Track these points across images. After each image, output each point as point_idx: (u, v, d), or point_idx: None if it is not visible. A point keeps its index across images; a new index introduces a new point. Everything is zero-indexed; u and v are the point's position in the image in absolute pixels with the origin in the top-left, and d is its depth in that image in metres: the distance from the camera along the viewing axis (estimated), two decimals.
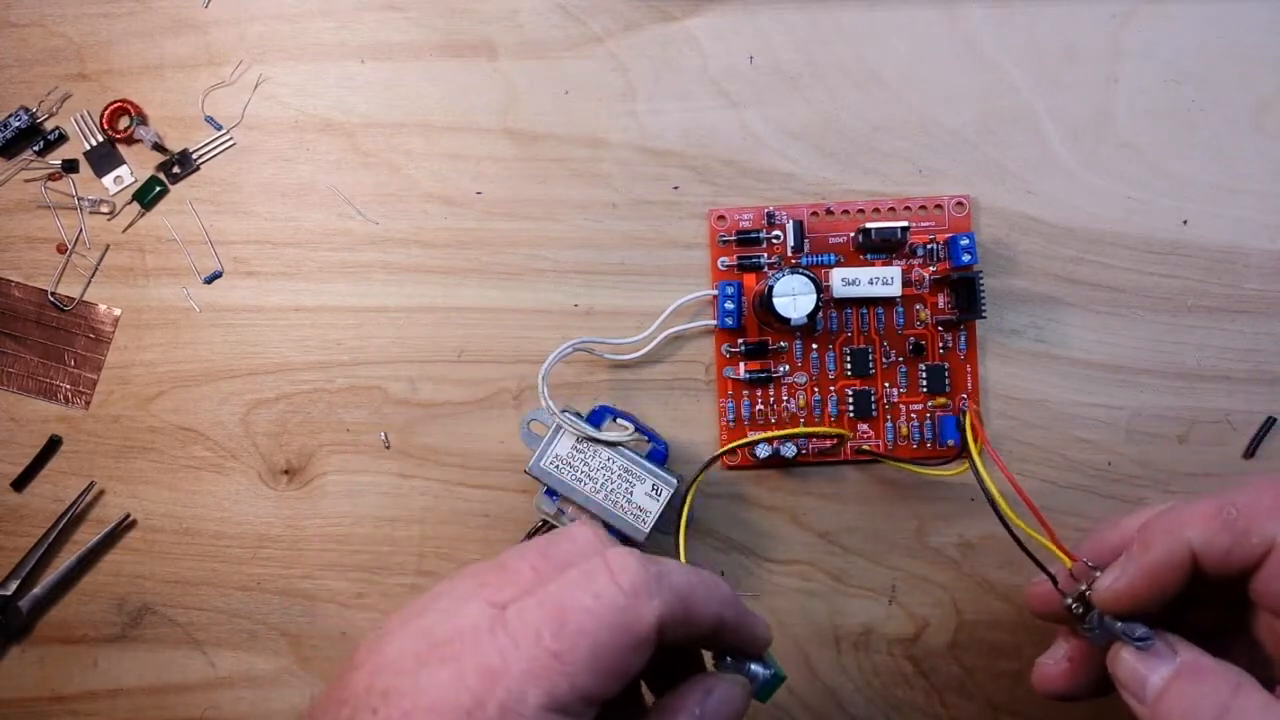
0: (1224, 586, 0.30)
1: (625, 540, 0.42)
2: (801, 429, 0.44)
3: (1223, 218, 0.45)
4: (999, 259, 0.45)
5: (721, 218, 0.45)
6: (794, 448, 0.44)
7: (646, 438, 0.44)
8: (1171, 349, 0.45)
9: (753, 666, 0.32)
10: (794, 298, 0.41)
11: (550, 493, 0.42)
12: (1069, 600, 0.32)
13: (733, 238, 0.45)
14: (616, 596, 0.27)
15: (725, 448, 0.43)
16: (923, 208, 0.45)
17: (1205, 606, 0.32)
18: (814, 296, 0.41)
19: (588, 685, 0.26)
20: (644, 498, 0.42)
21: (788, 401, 0.45)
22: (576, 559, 0.29)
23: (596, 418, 0.44)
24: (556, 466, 0.42)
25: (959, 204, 0.45)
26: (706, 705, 0.29)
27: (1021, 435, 0.45)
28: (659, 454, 0.44)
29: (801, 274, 0.41)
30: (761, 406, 0.45)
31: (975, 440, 0.40)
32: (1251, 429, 0.44)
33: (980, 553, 0.45)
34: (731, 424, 0.45)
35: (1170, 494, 0.44)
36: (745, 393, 0.45)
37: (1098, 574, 0.32)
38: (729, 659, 0.32)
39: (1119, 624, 0.30)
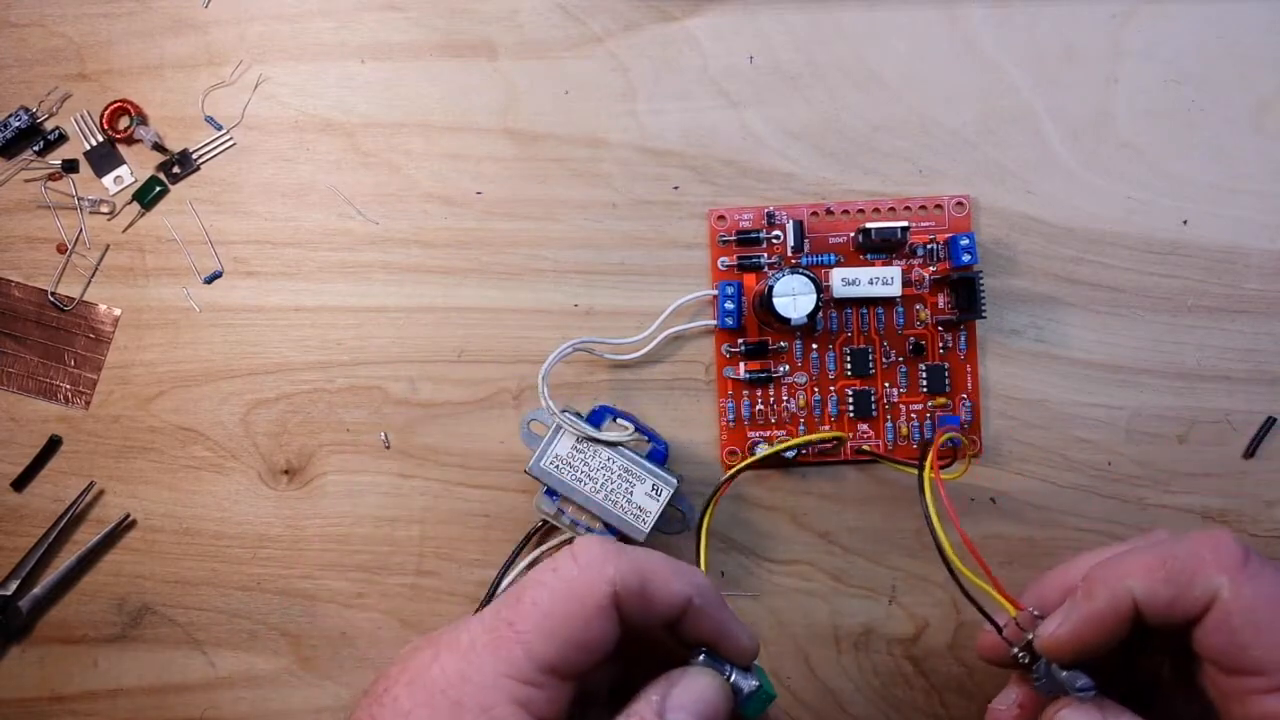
0: (1169, 635, 0.30)
1: (624, 540, 0.42)
2: (800, 438, 0.44)
3: (1223, 218, 0.45)
4: (999, 259, 0.45)
5: (721, 217, 0.45)
6: (794, 450, 0.44)
7: (646, 438, 0.44)
8: (1171, 349, 0.45)
9: (735, 675, 0.30)
10: (794, 298, 0.41)
11: (550, 493, 0.42)
12: (1015, 650, 0.32)
13: (733, 238, 0.45)
14: (571, 569, 0.28)
15: (736, 468, 0.42)
16: (923, 208, 0.45)
17: (1153, 654, 0.32)
18: (814, 296, 0.41)
19: (545, 653, 0.27)
20: (644, 498, 0.42)
21: (788, 401, 0.45)
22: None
23: (596, 418, 0.44)
24: (556, 466, 0.42)
25: (959, 204, 0.45)
26: (670, 695, 0.28)
27: (1021, 435, 0.45)
28: (659, 454, 0.44)
29: (801, 274, 0.41)
30: (761, 406, 0.45)
31: (929, 469, 0.37)
32: (1251, 429, 0.44)
33: (980, 553, 0.45)
34: (731, 424, 0.45)
35: (1170, 494, 0.44)
36: (745, 393, 0.45)
37: (1042, 622, 0.32)
38: (705, 655, 0.30)
39: (1064, 674, 0.31)
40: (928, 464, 0.37)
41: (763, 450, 0.44)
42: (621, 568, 0.28)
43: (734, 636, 0.30)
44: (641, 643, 0.30)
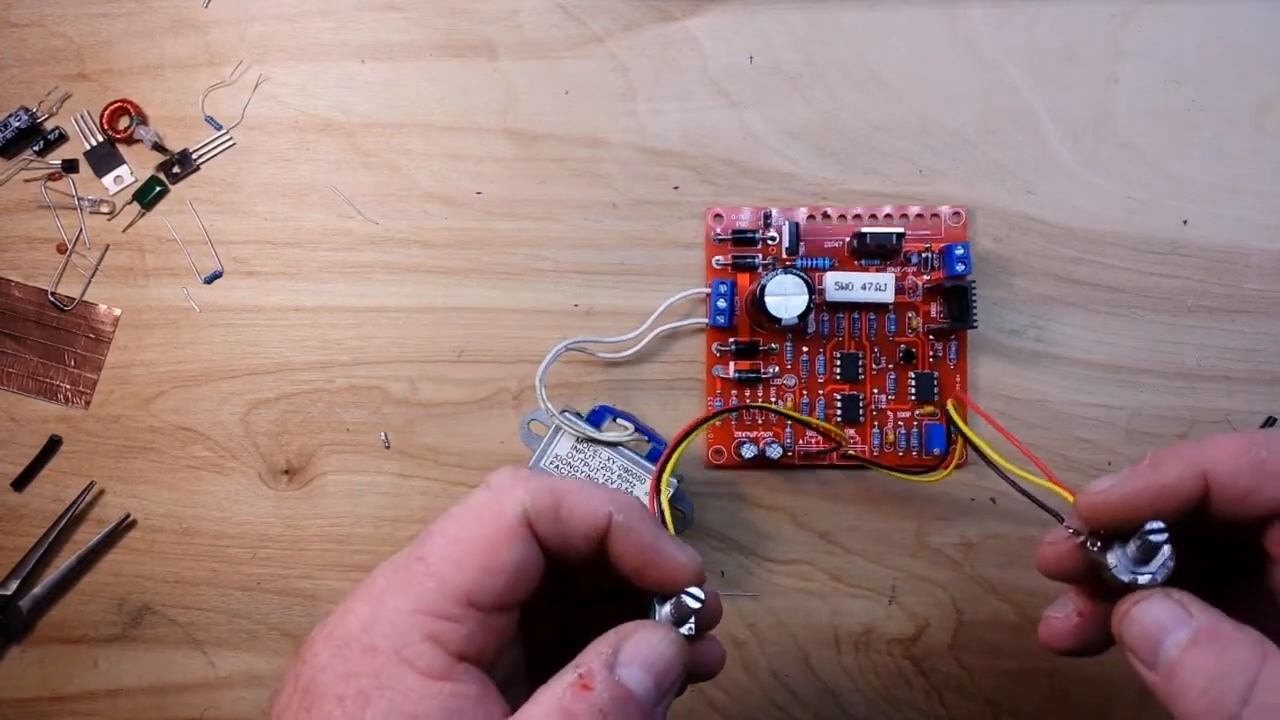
0: (1222, 529, 0.27)
1: None
2: (805, 416, 0.44)
3: (1223, 218, 0.45)
4: (999, 259, 0.45)
5: (718, 216, 0.45)
6: (779, 448, 0.44)
7: (646, 438, 0.44)
8: (1171, 349, 0.45)
9: (685, 597, 0.27)
10: (785, 298, 0.41)
11: None
12: (1083, 537, 0.29)
13: (728, 237, 0.45)
14: (480, 494, 0.27)
15: (714, 413, 0.42)
16: (919, 216, 0.45)
17: (1199, 554, 0.29)
18: (806, 297, 0.41)
19: (457, 582, 0.25)
20: (644, 497, 0.42)
21: (776, 403, 0.45)
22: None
23: (596, 418, 0.44)
24: (556, 467, 0.42)
25: (955, 214, 0.45)
26: (622, 648, 0.25)
27: (1022, 435, 0.45)
28: (659, 454, 0.44)
29: (794, 274, 0.41)
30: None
31: (955, 407, 0.38)
32: (1251, 429, 0.44)
33: (980, 553, 0.45)
34: (719, 423, 0.45)
35: None
36: (734, 392, 0.45)
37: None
38: (670, 608, 0.27)
39: (1133, 543, 0.27)
40: (950, 404, 0.38)
41: (750, 406, 0.44)
42: (533, 487, 0.26)
43: (668, 555, 0.27)
44: (590, 602, 0.28)
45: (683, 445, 0.38)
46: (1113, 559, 0.28)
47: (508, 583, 0.25)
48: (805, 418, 0.43)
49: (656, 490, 0.34)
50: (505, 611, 0.26)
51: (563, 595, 0.29)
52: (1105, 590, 0.29)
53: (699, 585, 0.27)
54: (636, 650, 0.25)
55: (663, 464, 0.36)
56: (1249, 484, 0.26)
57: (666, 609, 0.27)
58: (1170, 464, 0.27)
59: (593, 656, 0.25)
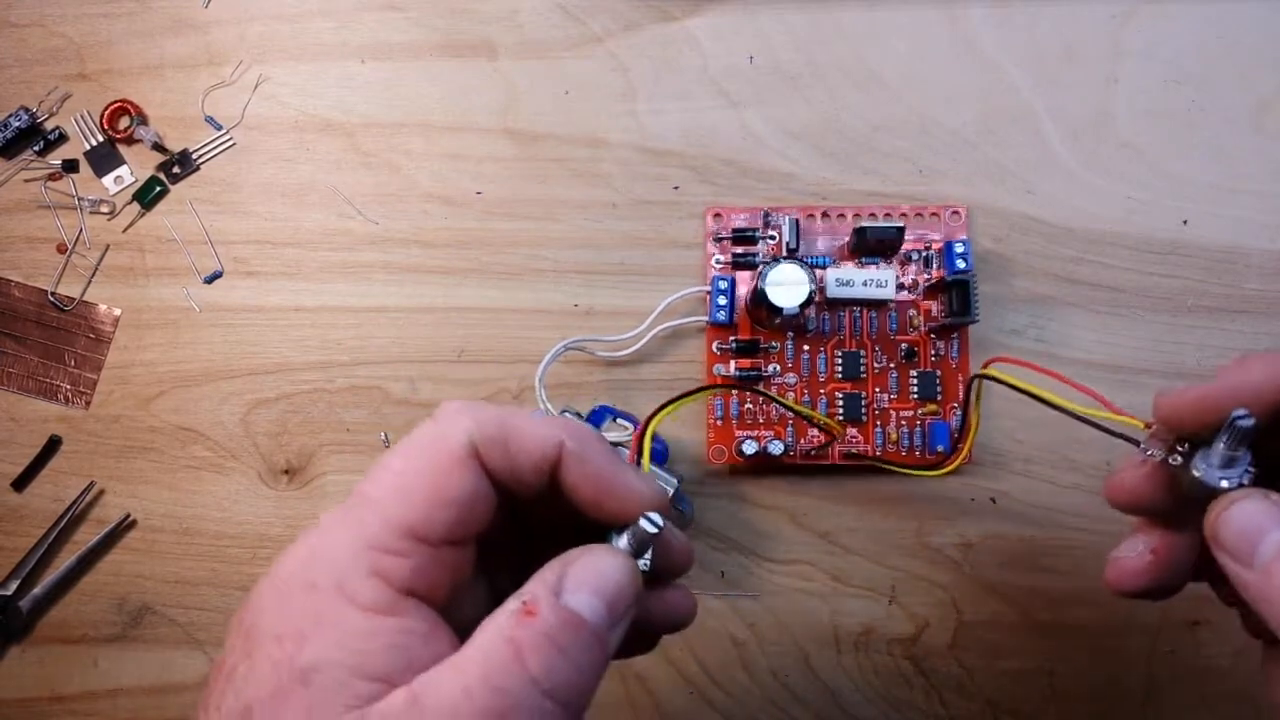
0: None
1: None
2: (802, 408, 0.44)
3: (1223, 218, 0.45)
4: (999, 259, 0.45)
5: (718, 215, 0.45)
6: (780, 445, 0.43)
7: None
8: (1171, 349, 0.45)
9: (642, 520, 0.25)
10: (787, 287, 0.41)
11: None
12: (1163, 455, 0.28)
13: (728, 235, 0.45)
14: (425, 425, 0.25)
15: (711, 385, 0.40)
16: (919, 215, 0.45)
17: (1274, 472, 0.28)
18: (807, 286, 0.41)
19: (403, 516, 0.24)
20: None
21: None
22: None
23: (596, 418, 0.44)
24: None
25: (955, 214, 0.45)
26: (568, 574, 0.24)
27: (1022, 435, 0.45)
28: (659, 454, 0.44)
29: (796, 263, 0.41)
30: (750, 406, 0.45)
31: (989, 367, 0.36)
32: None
33: (980, 553, 0.45)
34: (720, 421, 0.45)
35: None
36: (734, 391, 0.45)
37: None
38: (626, 537, 0.25)
39: (1221, 441, 0.26)
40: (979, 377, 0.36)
41: (745, 386, 0.43)
42: (480, 417, 0.25)
43: (626, 484, 0.26)
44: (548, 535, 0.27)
45: (689, 399, 0.37)
46: (1197, 469, 0.27)
47: (455, 515, 0.24)
48: (802, 408, 0.43)
49: (639, 441, 0.32)
50: (457, 546, 0.25)
51: (525, 533, 0.28)
52: (1180, 519, 0.28)
53: (659, 514, 0.25)
54: (584, 574, 0.24)
55: (659, 409, 0.35)
56: None
57: (624, 539, 0.25)
58: (1256, 365, 0.26)
59: (537, 583, 0.23)
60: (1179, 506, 0.29)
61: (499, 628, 0.22)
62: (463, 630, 0.24)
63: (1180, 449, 0.28)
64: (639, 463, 0.31)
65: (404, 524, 0.24)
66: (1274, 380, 0.26)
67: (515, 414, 0.26)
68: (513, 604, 0.23)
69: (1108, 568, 0.30)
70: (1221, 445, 0.26)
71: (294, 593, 0.23)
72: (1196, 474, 0.27)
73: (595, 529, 0.26)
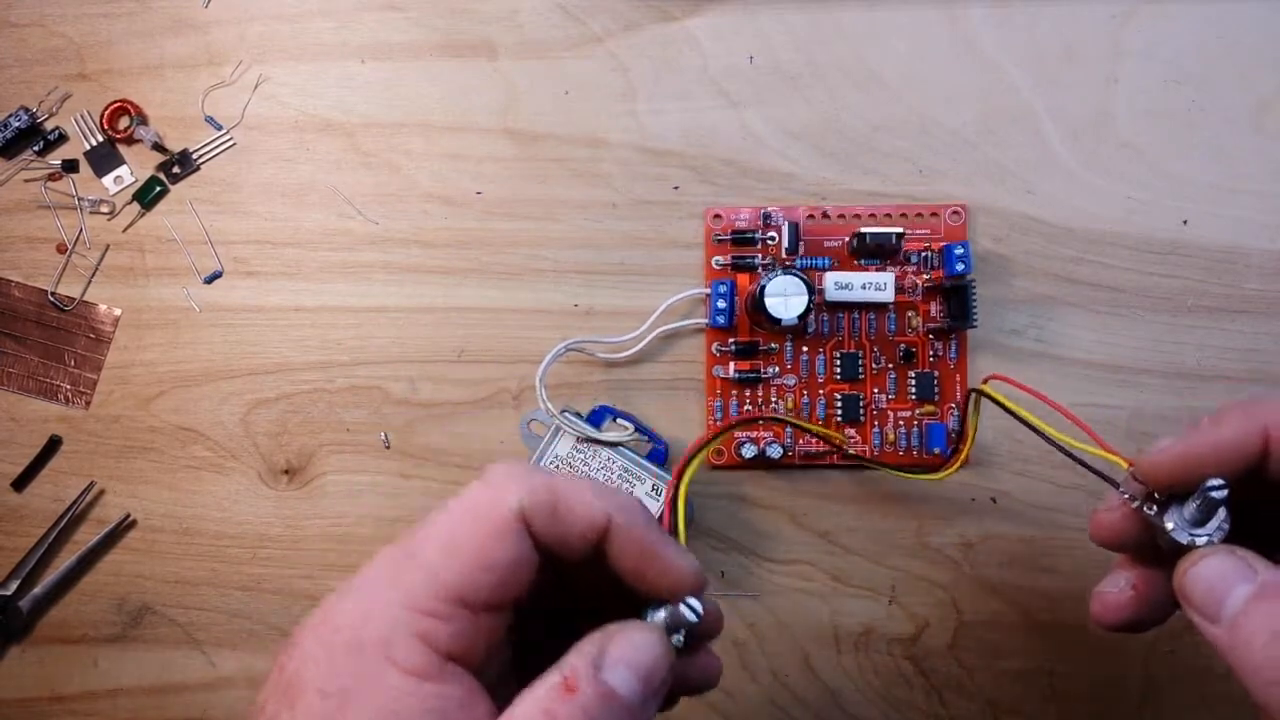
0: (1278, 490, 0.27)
1: None
2: (804, 422, 0.44)
3: (1223, 218, 0.45)
4: (999, 259, 0.45)
5: (718, 216, 0.45)
6: (780, 448, 0.44)
7: (646, 438, 0.44)
8: (1171, 349, 0.45)
9: (683, 606, 0.26)
10: (785, 298, 0.41)
11: None
12: (1138, 502, 0.29)
13: (728, 237, 0.45)
14: (475, 489, 0.26)
15: (718, 432, 0.41)
16: (919, 215, 0.45)
17: (1256, 517, 0.28)
18: (805, 298, 0.41)
19: (447, 579, 0.24)
20: (644, 498, 0.42)
21: (776, 404, 0.45)
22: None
23: (596, 418, 0.44)
24: (556, 466, 0.42)
25: (955, 213, 0.45)
26: (608, 649, 0.24)
27: (1022, 435, 0.45)
28: (659, 454, 0.44)
29: (794, 275, 0.41)
30: (750, 407, 0.45)
31: (987, 384, 0.37)
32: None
33: (980, 553, 0.45)
34: (719, 423, 0.45)
35: None
36: (734, 392, 0.45)
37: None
38: (664, 612, 0.26)
39: (1193, 502, 0.27)
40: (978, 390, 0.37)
41: (756, 419, 0.43)
42: (531, 483, 0.25)
43: (669, 560, 0.26)
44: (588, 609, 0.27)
45: (699, 455, 0.37)
46: (1170, 521, 0.28)
47: (501, 580, 0.25)
48: (808, 425, 0.43)
49: (673, 504, 0.33)
50: (496, 611, 0.25)
51: (555, 595, 0.28)
52: (1160, 557, 0.29)
53: (699, 593, 0.26)
54: (622, 651, 0.24)
55: (679, 474, 0.36)
56: None
57: (661, 614, 0.26)
58: (1231, 420, 0.27)
59: (577, 657, 0.24)
60: (1154, 551, 0.29)
61: (537, 700, 0.23)
62: (490, 689, 0.24)
63: (1157, 497, 0.28)
64: (674, 528, 0.32)
65: (450, 587, 0.24)
66: (1247, 436, 0.27)
67: (565, 481, 0.26)
68: (553, 677, 0.23)
69: (1092, 601, 0.31)
70: (1194, 506, 0.27)
71: (340, 649, 0.24)
72: (1169, 527, 0.28)
73: (630, 593, 0.27)
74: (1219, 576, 0.26)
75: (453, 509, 0.25)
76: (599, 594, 0.28)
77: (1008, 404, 0.35)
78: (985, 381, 0.37)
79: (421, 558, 0.25)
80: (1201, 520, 0.27)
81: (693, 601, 0.26)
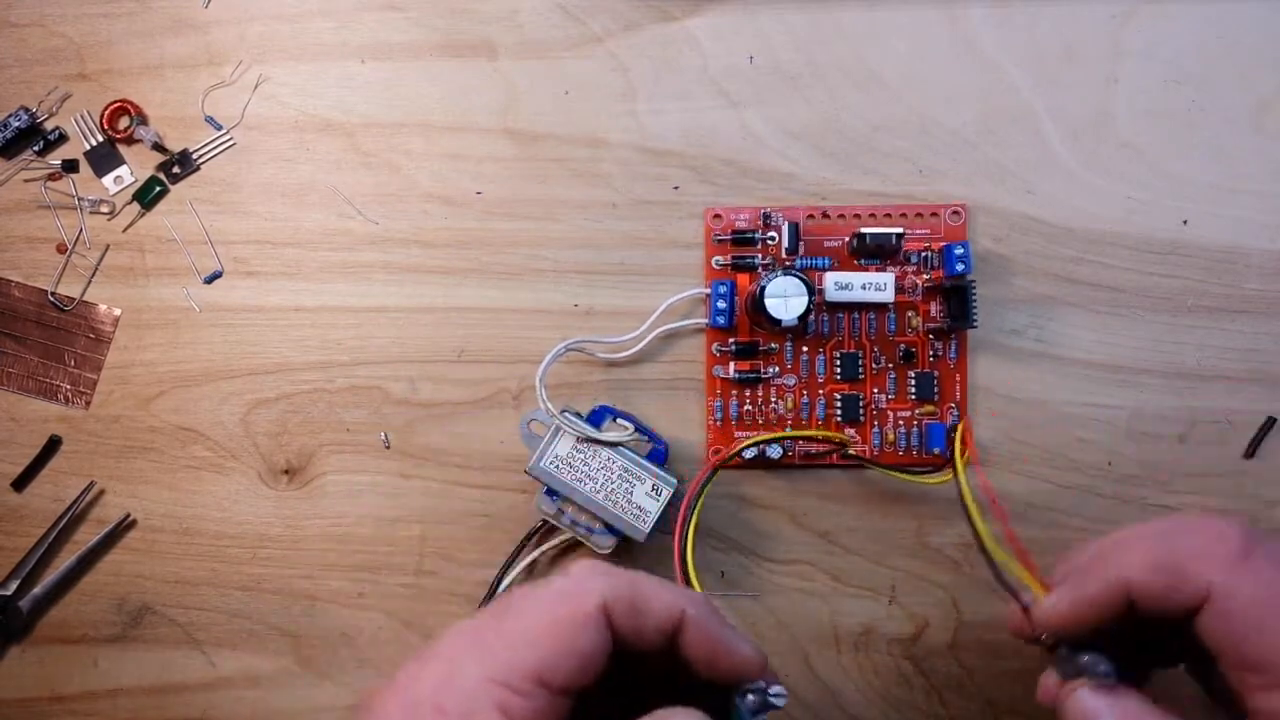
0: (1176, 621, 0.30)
1: (625, 540, 0.42)
2: (804, 431, 0.44)
3: (1223, 218, 0.45)
4: (999, 259, 0.45)
5: (718, 216, 0.45)
6: (779, 449, 0.44)
7: (646, 438, 0.44)
8: (1171, 349, 0.45)
9: (772, 693, 0.29)
10: (785, 299, 0.41)
11: (550, 493, 0.42)
12: (1039, 634, 0.33)
13: (728, 237, 0.45)
14: (559, 580, 0.28)
15: (726, 456, 0.42)
16: (919, 215, 0.45)
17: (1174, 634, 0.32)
18: (805, 299, 0.41)
19: (528, 661, 0.26)
20: (644, 498, 0.42)
21: (775, 404, 0.45)
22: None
23: (596, 418, 0.44)
24: (557, 466, 0.42)
25: (955, 213, 0.45)
26: None
27: (1021, 435, 0.45)
28: (659, 454, 0.44)
29: (794, 276, 0.41)
30: (750, 407, 0.45)
31: (963, 454, 0.40)
32: (1251, 429, 0.44)
33: (980, 553, 0.45)
34: (719, 423, 0.45)
35: (1171, 493, 0.44)
36: (734, 393, 0.45)
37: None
38: (750, 696, 0.29)
39: (1085, 658, 0.30)
40: (959, 431, 0.40)
41: (749, 444, 0.43)
42: (614, 580, 0.28)
43: (735, 648, 0.29)
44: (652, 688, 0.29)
45: (700, 497, 0.40)
46: (1061, 657, 0.32)
47: (580, 666, 0.27)
48: (809, 433, 0.44)
49: (682, 554, 0.37)
50: (568, 695, 0.27)
51: (614, 679, 0.30)
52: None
53: (765, 677, 0.29)
54: None
55: (684, 519, 0.38)
56: (1164, 585, 0.29)
57: (750, 698, 0.29)
58: (1095, 577, 0.31)
59: None
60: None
61: None
62: None
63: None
64: (684, 574, 0.36)
65: (534, 668, 0.26)
66: (1113, 593, 0.30)
67: (644, 580, 0.29)
68: None
69: (1038, 686, 0.34)
70: (1083, 659, 0.30)
71: (424, 714, 0.25)
72: (1061, 662, 0.32)
73: (694, 678, 0.29)
74: (1086, 712, 0.30)
75: (539, 595, 0.28)
76: (652, 676, 0.30)
77: (967, 497, 0.36)
78: (965, 455, 0.39)
79: (508, 637, 0.27)
80: (1087, 668, 0.31)
81: (779, 688, 0.29)
